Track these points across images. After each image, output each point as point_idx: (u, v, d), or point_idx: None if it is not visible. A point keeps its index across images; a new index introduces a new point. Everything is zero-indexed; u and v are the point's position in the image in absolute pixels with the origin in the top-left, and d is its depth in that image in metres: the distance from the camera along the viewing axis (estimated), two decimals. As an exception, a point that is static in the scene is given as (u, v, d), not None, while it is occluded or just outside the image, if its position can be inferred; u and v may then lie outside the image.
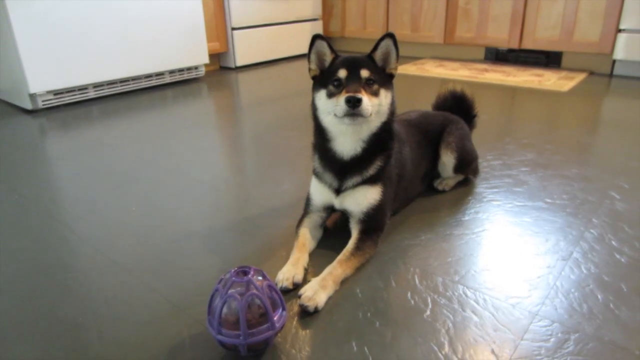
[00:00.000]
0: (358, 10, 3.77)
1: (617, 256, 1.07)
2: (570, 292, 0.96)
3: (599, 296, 0.94)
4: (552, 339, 0.83)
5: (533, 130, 1.95)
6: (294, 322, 0.89)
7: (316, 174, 1.16)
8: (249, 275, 0.78)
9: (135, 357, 0.82)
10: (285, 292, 0.96)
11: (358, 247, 1.06)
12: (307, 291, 0.92)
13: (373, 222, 1.10)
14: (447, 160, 1.38)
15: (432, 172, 1.42)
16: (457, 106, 1.53)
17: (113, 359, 0.82)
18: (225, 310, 0.76)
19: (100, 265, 1.10)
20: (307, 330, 0.87)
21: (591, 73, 2.94)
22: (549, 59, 3.12)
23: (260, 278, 0.80)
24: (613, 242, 1.13)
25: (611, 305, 0.91)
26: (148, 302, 0.96)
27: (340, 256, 1.03)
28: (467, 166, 1.43)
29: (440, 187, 1.43)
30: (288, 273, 0.98)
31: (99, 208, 1.38)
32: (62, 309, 0.95)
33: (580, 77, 2.84)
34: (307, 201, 1.18)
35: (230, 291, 0.76)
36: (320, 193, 1.15)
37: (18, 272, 1.08)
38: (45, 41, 2.27)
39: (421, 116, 1.43)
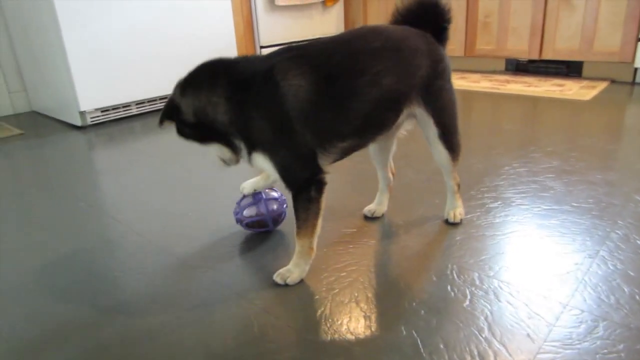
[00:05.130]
0: (380, 25, 3.90)
1: (642, 253, 1.15)
2: (598, 285, 1.04)
3: (625, 289, 1.02)
4: (583, 326, 0.92)
5: (557, 139, 2.04)
6: (348, 309, 1.00)
7: None
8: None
9: (216, 342, 0.93)
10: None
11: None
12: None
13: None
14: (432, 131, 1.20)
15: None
16: (425, 18, 1.19)
17: (187, 341, 0.94)
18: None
19: (167, 262, 1.22)
20: (361, 316, 0.98)
21: (613, 81, 3.00)
22: (570, 69, 3.20)
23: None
24: (638, 242, 1.21)
25: (637, 297, 0.99)
26: (218, 295, 1.08)
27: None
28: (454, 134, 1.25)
29: (451, 219, 1.34)
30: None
31: (158, 213, 1.52)
32: (134, 305, 1.07)
33: (602, 85, 2.91)
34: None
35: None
36: None
37: (91, 270, 1.21)
38: (94, 63, 2.45)
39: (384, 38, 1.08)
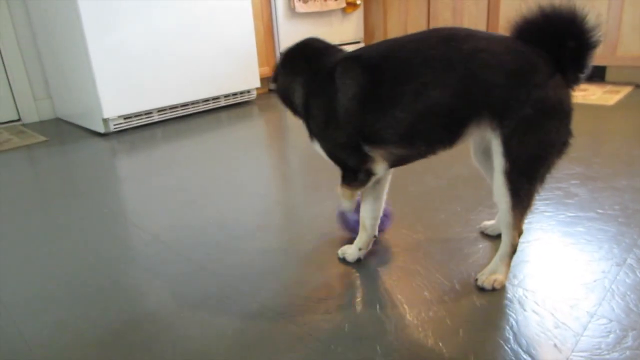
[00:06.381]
0: (399, 33, 3.91)
1: (672, 262, 1.12)
2: (626, 294, 1.02)
3: (655, 298, 1.00)
4: (611, 335, 0.90)
5: (580, 144, 2.00)
6: (372, 319, 0.99)
7: None
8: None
9: (240, 353, 0.94)
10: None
11: None
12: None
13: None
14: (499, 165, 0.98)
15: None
16: (552, 38, 0.95)
17: (211, 350, 0.94)
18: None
19: (190, 271, 1.24)
20: (385, 326, 0.97)
21: (637, 86, 2.94)
22: (593, 73, 3.14)
23: None
24: (667, 250, 1.18)
25: (667, 307, 0.97)
26: (241, 304, 1.09)
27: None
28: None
29: (481, 282, 1.08)
30: None
31: (181, 221, 1.53)
32: (158, 314, 1.09)
33: (626, 90, 2.85)
34: None
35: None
36: None
37: (115, 278, 1.23)
38: (118, 71, 2.51)
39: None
